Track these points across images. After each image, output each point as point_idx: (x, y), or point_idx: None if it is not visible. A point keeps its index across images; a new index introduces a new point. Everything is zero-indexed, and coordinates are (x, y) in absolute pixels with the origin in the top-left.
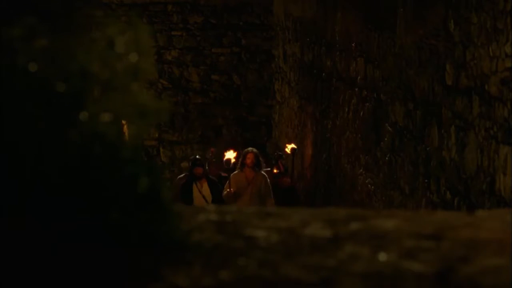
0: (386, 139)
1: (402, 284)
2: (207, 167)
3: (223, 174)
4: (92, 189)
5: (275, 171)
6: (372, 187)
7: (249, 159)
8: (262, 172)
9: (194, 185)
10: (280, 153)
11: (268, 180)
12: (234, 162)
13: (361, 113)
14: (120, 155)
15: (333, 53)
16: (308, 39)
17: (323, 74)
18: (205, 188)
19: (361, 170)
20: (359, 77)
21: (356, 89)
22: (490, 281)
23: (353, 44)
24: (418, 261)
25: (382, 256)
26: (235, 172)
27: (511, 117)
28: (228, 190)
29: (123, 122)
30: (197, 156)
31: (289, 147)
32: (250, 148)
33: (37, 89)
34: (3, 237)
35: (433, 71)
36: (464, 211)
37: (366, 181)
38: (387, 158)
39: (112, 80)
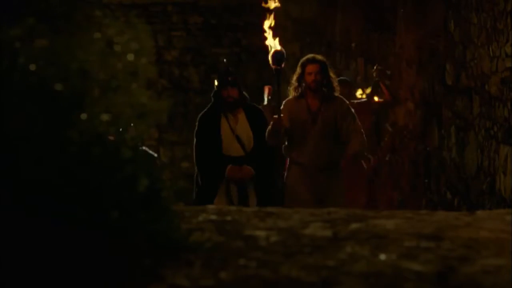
0: (386, 139)
1: (402, 284)
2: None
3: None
4: (92, 189)
5: (376, 99)
6: None
7: (312, 76)
8: (339, 95)
9: (223, 118)
10: (382, 68)
11: (352, 109)
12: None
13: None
14: (120, 155)
15: (333, 53)
16: (308, 39)
17: None
18: (242, 123)
19: None
20: (359, 77)
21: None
22: (490, 281)
23: (353, 44)
24: (418, 261)
25: (382, 256)
26: (288, 98)
27: (511, 117)
28: (276, 117)
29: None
30: (229, 68)
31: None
32: (311, 56)
33: (37, 89)
34: (2, 238)
35: (433, 71)
36: (464, 211)
37: None
38: (387, 158)
39: (111, 80)
